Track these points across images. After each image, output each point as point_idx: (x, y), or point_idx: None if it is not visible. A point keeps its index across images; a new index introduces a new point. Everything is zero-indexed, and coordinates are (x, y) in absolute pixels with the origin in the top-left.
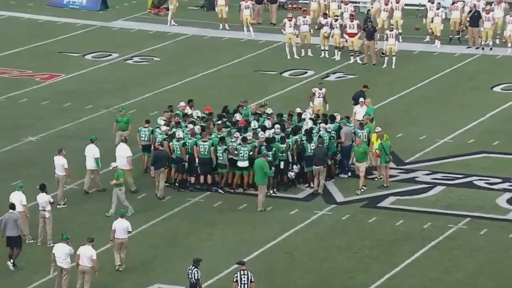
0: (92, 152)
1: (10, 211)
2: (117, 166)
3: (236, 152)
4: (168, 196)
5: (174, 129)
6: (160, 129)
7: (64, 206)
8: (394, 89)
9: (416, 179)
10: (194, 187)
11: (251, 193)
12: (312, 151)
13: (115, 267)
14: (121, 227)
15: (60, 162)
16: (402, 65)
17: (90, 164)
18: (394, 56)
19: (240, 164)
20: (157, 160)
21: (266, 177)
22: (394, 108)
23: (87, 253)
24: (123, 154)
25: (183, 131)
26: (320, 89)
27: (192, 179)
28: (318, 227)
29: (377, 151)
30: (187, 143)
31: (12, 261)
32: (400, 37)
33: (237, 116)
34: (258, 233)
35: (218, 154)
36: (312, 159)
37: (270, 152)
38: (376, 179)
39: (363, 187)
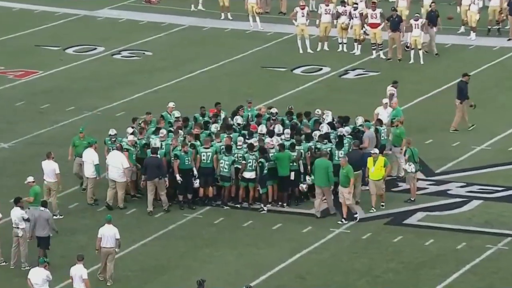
0: (90, 157)
1: (41, 208)
2: (34, 182)
3: (244, 162)
4: (159, 212)
5: (152, 138)
6: (126, 139)
7: (61, 217)
8: (422, 88)
9: (448, 192)
10: (186, 203)
11: (257, 207)
12: (345, 155)
13: (100, 278)
14: (108, 234)
15: (50, 167)
16: (431, 61)
17: (88, 172)
18: (420, 49)
19: (247, 175)
20: (149, 168)
21: (329, 178)
22: (422, 110)
23: (77, 273)
24: (118, 163)
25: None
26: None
27: (181, 197)
28: (335, 247)
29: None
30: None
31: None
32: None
33: (239, 119)
34: (266, 254)
35: (222, 165)
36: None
37: (267, 162)
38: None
39: (343, 219)
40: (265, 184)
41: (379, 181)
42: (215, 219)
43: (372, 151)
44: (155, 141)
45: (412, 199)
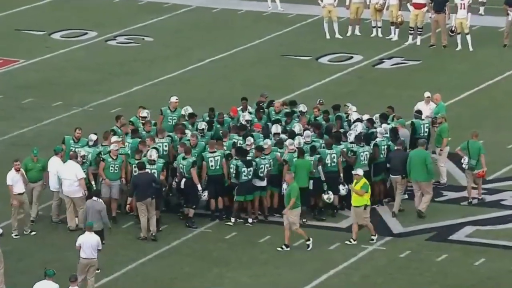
0: (55, 167)
1: (94, 198)
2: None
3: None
4: (163, 225)
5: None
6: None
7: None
8: (471, 79)
9: (502, 202)
10: (191, 222)
11: (275, 220)
12: (384, 156)
13: None
14: (89, 243)
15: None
16: (482, 47)
17: (54, 185)
18: (467, 34)
19: (258, 183)
20: (138, 186)
21: (428, 171)
22: (471, 105)
23: None
24: (72, 175)
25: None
26: None
27: (191, 212)
28: (367, 267)
29: (481, 171)
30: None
31: None
32: (482, 8)
33: (246, 116)
34: (285, 275)
35: (233, 171)
36: (380, 166)
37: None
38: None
39: (283, 246)
40: (245, 193)
41: (359, 208)
42: (226, 234)
43: (354, 172)
44: (151, 153)
45: (470, 200)
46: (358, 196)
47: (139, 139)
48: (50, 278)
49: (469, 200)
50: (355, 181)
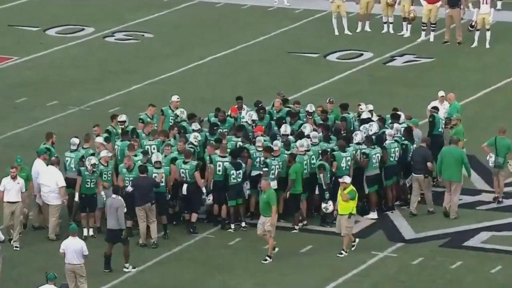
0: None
1: (113, 196)
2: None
3: (266, 169)
4: (161, 231)
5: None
6: (94, 155)
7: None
8: (488, 77)
9: None
10: (193, 227)
11: (280, 225)
12: (395, 159)
13: None
14: (73, 248)
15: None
16: (500, 44)
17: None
18: (488, 30)
19: (272, 184)
20: (138, 191)
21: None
22: (488, 104)
23: None
24: (52, 182)
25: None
26: None
27: (194, 217)
28: (378, 275)
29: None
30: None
31: (127, 264)
32: (499, 3)
33: (253, 115)
34: (291, 283)
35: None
36: (392, 170)
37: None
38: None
39: (267, 257)
40: (235, 197)
41: (344, 217)
42: (230, 239)
43: (341, 180)
44: (157, 156)
45: (500, 199)
46: (345, 204)
47: (128, 142)
48: (52, 282)
49: (499, 199)
50: (342, 187)
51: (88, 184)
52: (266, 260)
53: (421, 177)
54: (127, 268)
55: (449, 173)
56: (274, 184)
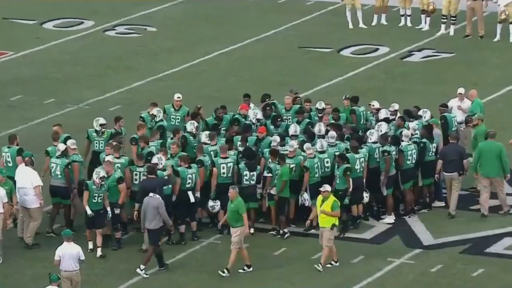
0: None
1: (150, 194)
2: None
3: (270, 174)
4: (164, 237)
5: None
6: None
7: None
8: (511, 74)
9: None
10: (197, 236)
11: (291, 231)
12: (412, 162)
13: None
14: (69, 254)
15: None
16: None
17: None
18: (511, 23)
19: (273, 191)
20: (146, 193)
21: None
22: (511, 103)
23: None
24: (27, 183)
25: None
26: None
27: (194, 225)
28: (394, 283)
29: None
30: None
31: (142, 266)
32: None
33: (258, 114)
34: None
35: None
36: (408, 173)
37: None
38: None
39: (225, 270)
40: (246, 200)
41: (326, 229)
42: None
43: (322, 189)
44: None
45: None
46: (326, 216)
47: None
48: (55, 283)
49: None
50: (320, 198)
51: (95, 199)
52: (244, 270)
53: (455, 175)
54: (141, 270)
55: (487, 169)
56: (274, 191)
